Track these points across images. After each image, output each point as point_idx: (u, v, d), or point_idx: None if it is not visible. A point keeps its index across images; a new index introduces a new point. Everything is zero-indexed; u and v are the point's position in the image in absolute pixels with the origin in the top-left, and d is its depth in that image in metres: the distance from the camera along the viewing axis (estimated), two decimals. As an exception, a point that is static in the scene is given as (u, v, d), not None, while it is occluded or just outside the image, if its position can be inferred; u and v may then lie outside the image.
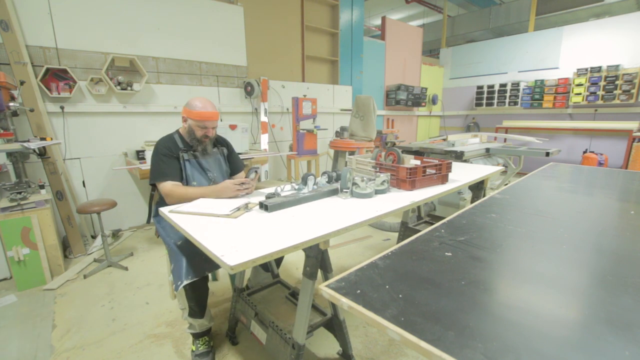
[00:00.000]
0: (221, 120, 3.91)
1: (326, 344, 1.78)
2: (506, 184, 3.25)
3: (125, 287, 2.43)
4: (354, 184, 1.63)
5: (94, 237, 3.31)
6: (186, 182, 1.78)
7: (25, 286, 2.40)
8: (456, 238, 1.06)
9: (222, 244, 1.06)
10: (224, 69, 4.15)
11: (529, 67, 6.63)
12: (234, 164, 2.03)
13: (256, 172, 1.82)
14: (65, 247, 2.99)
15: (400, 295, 0.73)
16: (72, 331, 1.93)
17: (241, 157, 3.28)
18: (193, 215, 1.39)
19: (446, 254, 0.95)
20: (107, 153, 3.40)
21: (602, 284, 0.80)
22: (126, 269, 2.68)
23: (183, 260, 1.49)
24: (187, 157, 1.79)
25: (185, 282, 1.43)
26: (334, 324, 1.55)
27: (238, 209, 1.43)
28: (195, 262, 1.48)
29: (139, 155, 3.28)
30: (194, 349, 1.68)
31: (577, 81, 5.87)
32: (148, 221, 2.05)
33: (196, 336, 1.69)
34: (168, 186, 1.67)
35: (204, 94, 4.00)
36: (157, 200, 1.90)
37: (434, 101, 7.73)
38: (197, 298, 1.59)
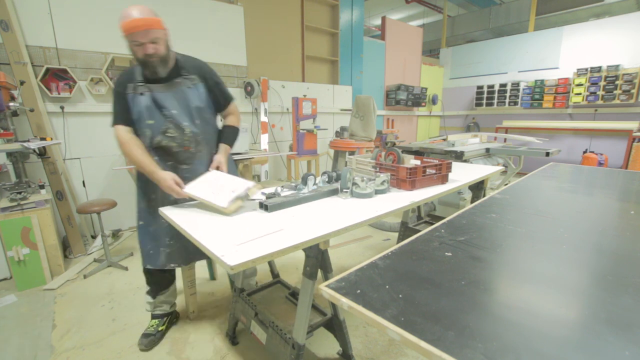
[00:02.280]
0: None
1: (326, 344, 1.78)
2: (506, 184, 3.25)
3: (125, 287, 2.43)
4: (354, 184, 1.63)
5: (94, 237, 3.31)
6: (140, 121, 1.54)
7: (25, 286, 2.40)
8: (456, 238, 1.06)
9: (222, 244, 1.06)
10: (224, 69, 4.15)
11: (529, 67, 6.63)
12: (216, 98, 1.74)
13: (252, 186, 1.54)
14: (65, 247, 2.99)
15: (400, 295, 0.73)
16: (72, 331, 1.93)
17: (241, 157, 3.30)
18: (191, 199, 1.49)
19: (446, 254, 0.95)
20: (107, 153, 3.40)
21: (602, 284, 0.80)
22: (126, 269, 2.68)
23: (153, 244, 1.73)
24: (139, 91, 1.50)
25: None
26: (334, 324, 1.55)
27: (238, 197, 1.40)
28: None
29: (139, 155, 3.27)
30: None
31: (577, 81, 5.87)
32: None
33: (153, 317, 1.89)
34: (120, 132, 1.49)
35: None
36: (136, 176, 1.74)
37: (434, 101, 7.73)
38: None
